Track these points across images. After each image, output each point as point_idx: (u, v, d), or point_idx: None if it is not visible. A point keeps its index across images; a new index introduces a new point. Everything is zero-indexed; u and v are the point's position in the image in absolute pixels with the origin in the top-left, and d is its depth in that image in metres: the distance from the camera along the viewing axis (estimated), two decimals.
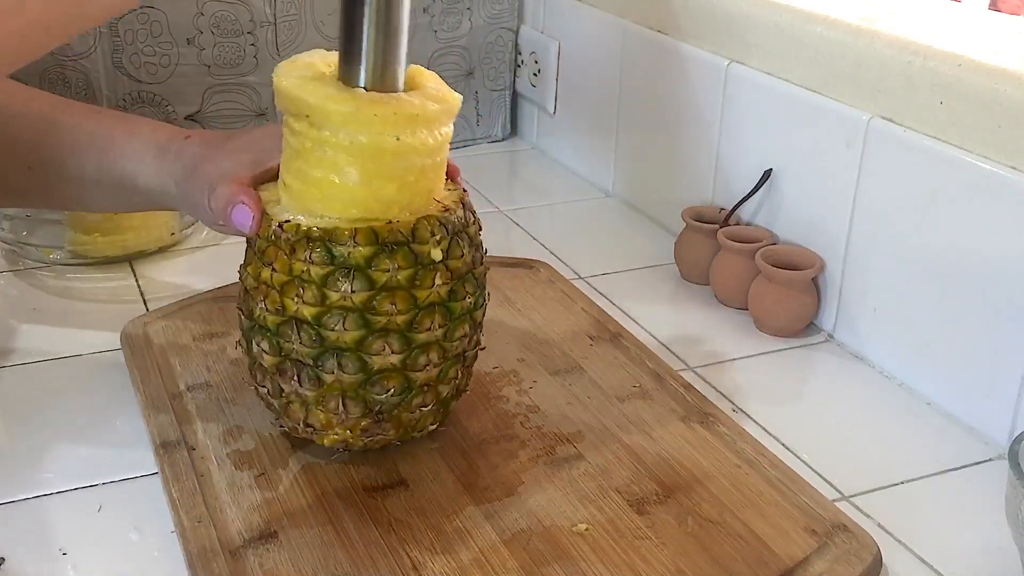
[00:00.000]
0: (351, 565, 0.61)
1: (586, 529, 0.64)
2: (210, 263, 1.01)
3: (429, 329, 0.65)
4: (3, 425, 0.76)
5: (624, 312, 0.94)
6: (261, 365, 0.67)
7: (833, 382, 0.85)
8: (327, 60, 0.65)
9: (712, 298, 0.97)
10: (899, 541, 0.66)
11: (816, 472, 0.73)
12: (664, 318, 0.93)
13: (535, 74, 1.33)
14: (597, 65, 1.20)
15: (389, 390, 0.65)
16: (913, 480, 0.73)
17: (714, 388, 0.82)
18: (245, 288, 0.67)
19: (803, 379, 0.86)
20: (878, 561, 0.63)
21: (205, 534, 0.62)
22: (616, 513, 0.65)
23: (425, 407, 0.67)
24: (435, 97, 0.64)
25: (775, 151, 0.94)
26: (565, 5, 1.26)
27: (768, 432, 0.77)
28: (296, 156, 0.64)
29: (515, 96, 1.39)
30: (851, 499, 0.70)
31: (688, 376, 0.83)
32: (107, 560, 0.63)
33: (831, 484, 0.71)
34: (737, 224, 0.97)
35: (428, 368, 0.65)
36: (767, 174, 0.95)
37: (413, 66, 0.66)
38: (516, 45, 1.35)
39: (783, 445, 0.76)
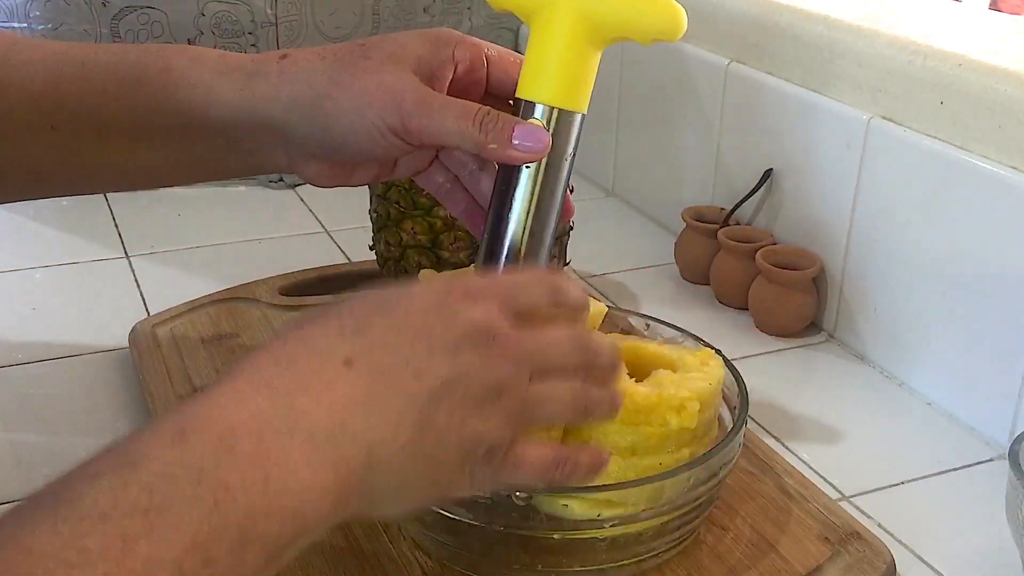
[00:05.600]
0: (361, 573, 0.60)
1: None
2: (211, 263, 1.01)
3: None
4: (2, 425, 0.76)
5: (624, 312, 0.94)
6: None
7: (833, 382, 0.85)
8: None
9: (712, 298, 0.97)
10: (899, 541, 0.66)
11: (816, 472, 0.73)
12: (664, 318, 0.93)
13: None
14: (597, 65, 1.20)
15: None
16: (913, 480, 0.73)
17: None
18: None
19: (803, 379, 0.86)
20: (892, 569, 0.62)
21: None
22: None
23: None
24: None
25: (775, 151, 0.94)
26: None
27: (768, 432, 0.77)
28: None
29: None
30: (851, 499, 0.70)
31: None
32: None
33: (831, 484, 0.71)
34: (737, 224, 0.97)
35: None
36: (767, 174, 0.95)
37: None
38: (516, 45, 1.35)
39: (783, 445, 0.76)
